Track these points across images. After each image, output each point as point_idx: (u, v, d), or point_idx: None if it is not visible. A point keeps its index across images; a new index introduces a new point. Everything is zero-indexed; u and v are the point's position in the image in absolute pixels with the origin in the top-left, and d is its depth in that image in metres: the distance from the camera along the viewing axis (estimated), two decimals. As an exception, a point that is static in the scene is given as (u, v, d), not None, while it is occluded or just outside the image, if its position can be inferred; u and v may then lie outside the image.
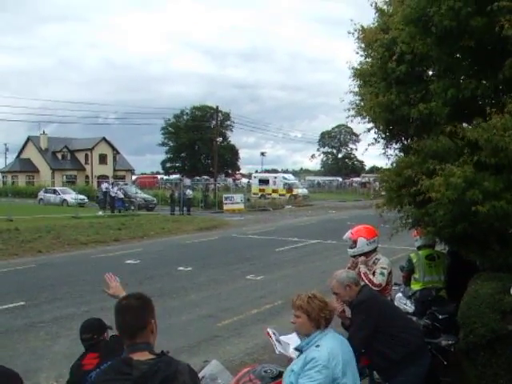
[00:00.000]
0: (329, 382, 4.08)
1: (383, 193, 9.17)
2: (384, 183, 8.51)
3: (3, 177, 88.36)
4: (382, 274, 7.09)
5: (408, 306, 8.60)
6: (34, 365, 9.33)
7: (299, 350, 4.44)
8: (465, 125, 7.49)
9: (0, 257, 21.00)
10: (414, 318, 7.48)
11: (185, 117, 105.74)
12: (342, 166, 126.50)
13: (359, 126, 10.67)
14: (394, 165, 8.62)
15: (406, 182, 7.52)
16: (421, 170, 7.20)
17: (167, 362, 3.16)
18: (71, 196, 51.59)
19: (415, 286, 8.63)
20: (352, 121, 9.58)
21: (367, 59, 9.43)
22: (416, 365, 5.50)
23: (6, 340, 10.38)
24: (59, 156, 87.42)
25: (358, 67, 9.59)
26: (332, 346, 4.22)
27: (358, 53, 9.61)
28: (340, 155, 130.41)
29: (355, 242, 7.41)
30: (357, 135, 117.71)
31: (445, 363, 7.09)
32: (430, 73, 8.59)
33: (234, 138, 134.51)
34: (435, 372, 6.53)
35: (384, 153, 9.46)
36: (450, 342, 7.20)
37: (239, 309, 12.87)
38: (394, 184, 7.97)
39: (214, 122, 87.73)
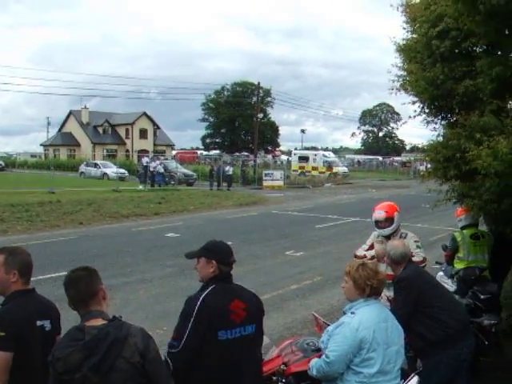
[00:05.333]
0: (353, 350, 4.14)
1: (429, 165, 8.99)
2: (430, 153, 8.28)
3: (45, 150, 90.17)
4: (418, 247, 6.75)
5: (449, 286, 8.52)
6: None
7: (344, 312, 4.50)
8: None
9: (42, 228, 21.32)
10: (456, 297, 7.40)
11: (225, 93, 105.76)
12: (382, 144, 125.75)
13: (402, 101, 10.42)
14: (441, 137, 8.51)
15: (453, 153, 7.33)
16: (468, 141, 7.01)
17: (117, 325, 3.40)
18: (112, 170, 51.75)
19: (459, 265, 8.49)
20: (396, 93, 9.48)
21: (413, 35, 9.29)
22: (456, 348, 5.37)
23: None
24: (100, 130, 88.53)
25: (403, 43, 9.45)
26: (367, 316, 4.24)
27: (404, 28, 9.47)
28: (381, 134, 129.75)
29: (392, 218, 7.07)
30: (398, 114, 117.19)
31: (486, 343, 7.01)
32: (476, 49, 8.42)
33: (275, 114, 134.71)
34: (475, 352, 6.46)
35: (427, 126, 9.36)
36: (492, 322, 7.12)
37: (279, 284, 12.91)
38: (439, 156, 7.79)
39: (254, 99, 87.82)
